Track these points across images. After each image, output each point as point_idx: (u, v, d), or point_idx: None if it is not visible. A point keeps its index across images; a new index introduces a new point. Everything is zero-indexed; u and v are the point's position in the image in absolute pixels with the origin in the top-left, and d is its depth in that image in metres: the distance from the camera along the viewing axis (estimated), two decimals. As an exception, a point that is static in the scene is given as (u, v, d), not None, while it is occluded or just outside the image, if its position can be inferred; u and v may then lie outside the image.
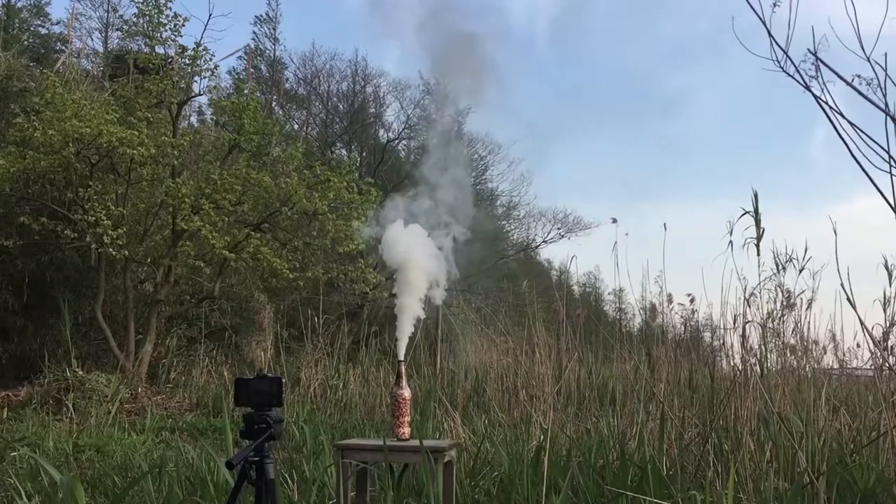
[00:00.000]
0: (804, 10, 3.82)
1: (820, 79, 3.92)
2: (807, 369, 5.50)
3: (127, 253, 10.76)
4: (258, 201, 11.80)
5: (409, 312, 4.56)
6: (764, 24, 3.94)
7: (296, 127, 24.63)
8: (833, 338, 6.00)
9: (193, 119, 20.69)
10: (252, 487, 2.76)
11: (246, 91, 13.11)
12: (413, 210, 4.98)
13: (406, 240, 4.63)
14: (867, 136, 3.83)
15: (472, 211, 5.20)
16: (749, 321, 5.20)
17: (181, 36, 11.86)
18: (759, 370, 5.07)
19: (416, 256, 4.59)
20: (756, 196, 4.71)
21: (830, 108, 3.89)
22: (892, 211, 3.77)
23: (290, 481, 5.05)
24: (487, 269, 18.14)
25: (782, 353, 5.37)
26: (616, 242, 6.10)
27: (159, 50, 12.12)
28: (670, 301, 7.00)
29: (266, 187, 11.39)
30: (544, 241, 23.79)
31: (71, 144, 10.34)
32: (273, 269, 11.45)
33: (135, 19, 13.64)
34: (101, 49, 22.88)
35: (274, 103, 24.78)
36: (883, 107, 3.79)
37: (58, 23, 23.26)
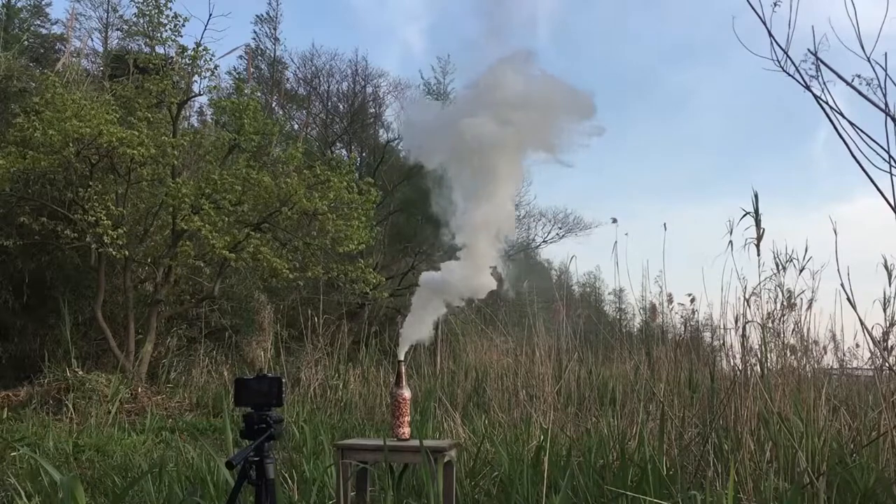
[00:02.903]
0: (804, 10, 3.82)
1: (820, 79, 3.91)
2: (807, 369, 5.49)
3: (127, 253, 10.76)
4: (258, 201, 11.80)
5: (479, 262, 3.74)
6: (764, 23, 3.93)
7: (296, 127, 24.63)
8: (833, 338, 6.00)
9: (194, 119, 20.68)
10: (252, 487, 2.76)
11: (247, 91, 13.11)
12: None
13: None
14: (867, 136, 3.82)
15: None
16: (749, 321, 5.20)
17: (181, 36, 11.89)
18: (759, 370, 5.06)
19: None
20: (756, 196, 4.71)
21: (831, 108, 3.88)
22: (892, 211, 3.77)
23: (290, 481, 5.05)
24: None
25: (782, 353, 5.36)
26: (616, 242, 6.09)
27: (159, 50, 12.13)
28: (670, 301, 7.00)
29: (266, 187, 11.38)
30: (544, 241, 23.82)
31: (71, 144, 10.34)
32: (273, 269, 11.45)
33: (135, 19, 13.67)
34: (101, 49, 22.89)
35: (274, 103, 24.78)
36: (883, 107, 3.79)
37: (56, 23, 23.26)
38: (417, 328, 4.32)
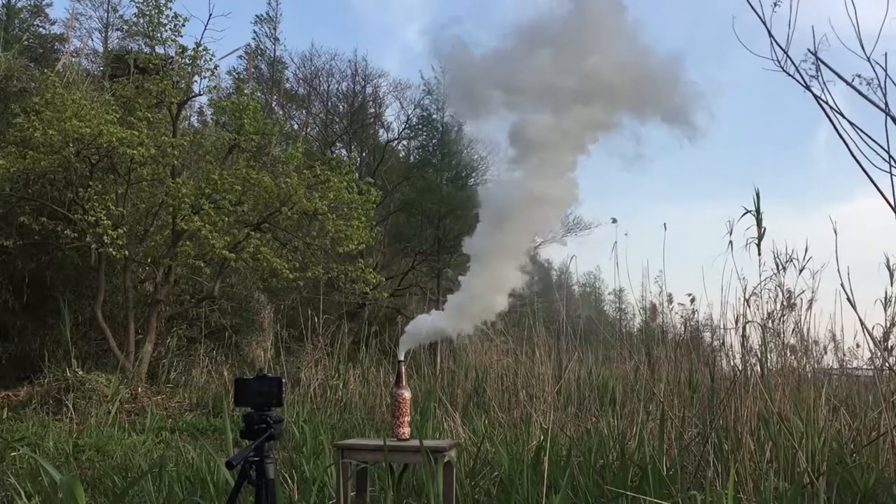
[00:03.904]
0: (804, 10, 3.82)
1: (820, 79, 3.91)
2: (807, 369, 5.49)
3: (127, 253, 10.77)
4: (258, 201, 11.80)
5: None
6: (764, 23, 3.93)
7: (296, 127, 24.59)
8: (833, 338, 6.01)
9: (194, 119, 20.69)
10: (252, 487, 2.76)
11: (246, 91, 13.11)
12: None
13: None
14: (867, 136, 3.82)
15: None
16: (749, 321, 5.20)
17: (181, 36, 11.90)
18: (759, 370, 5.06)
19: None
20: (758, 195, 4.71)
21: (831, 108, 3.88)
22: (892, 211, 3.77)
23: (290, 481, 5.04)
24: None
25: (782, 353, 5.36)
26: (616, 242, 6.09)
27: (159, 50, 12.14)
28: (670, 301, 6.99)
29: (266, 187, 11.39)
30: (544, 242, 23.79)
31: (71, 144, 10.35)
32: (273, 269, 11.45)
33: (135, 19, 13.66)
34: (101, 49, 22.89)
35: (274, 103, 24.76)
36: (883, 107, 3.79)
37: (56, 23, 23.24)
38: (499, 275, 3.68)
